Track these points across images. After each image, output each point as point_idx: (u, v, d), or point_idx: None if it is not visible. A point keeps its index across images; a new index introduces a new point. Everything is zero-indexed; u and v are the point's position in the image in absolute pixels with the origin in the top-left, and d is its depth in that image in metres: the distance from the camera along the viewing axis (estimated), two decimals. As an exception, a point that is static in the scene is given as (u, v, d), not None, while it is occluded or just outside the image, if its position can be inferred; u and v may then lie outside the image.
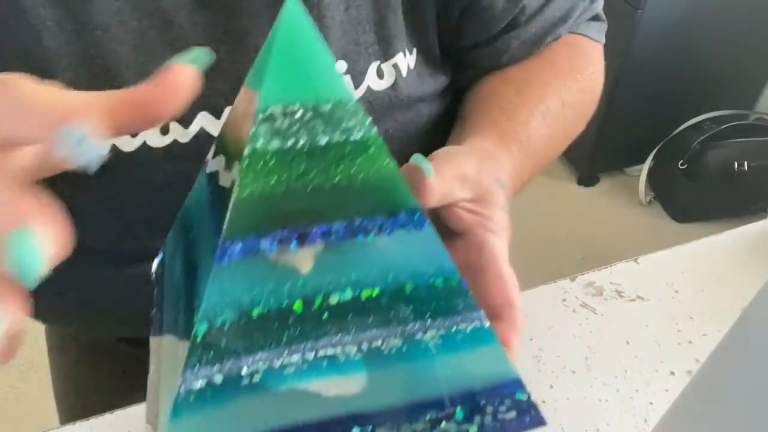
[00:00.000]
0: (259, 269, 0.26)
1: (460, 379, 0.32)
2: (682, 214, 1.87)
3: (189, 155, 0.42)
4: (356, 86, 0.44)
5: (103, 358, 0.65)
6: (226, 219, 0.25)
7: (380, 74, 0.45)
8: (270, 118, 0.24)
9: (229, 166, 0.27)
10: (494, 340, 0.31)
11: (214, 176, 0.30)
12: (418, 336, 0.30)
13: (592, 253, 1.75)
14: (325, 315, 0.28)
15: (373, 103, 0.45)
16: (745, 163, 1.74)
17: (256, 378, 0.29)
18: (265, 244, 0.26)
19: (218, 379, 0.28)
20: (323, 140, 0.25)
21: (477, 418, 0.33)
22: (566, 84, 0.52)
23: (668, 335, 0.51)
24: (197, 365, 0.27)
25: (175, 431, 0.29)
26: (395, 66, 0.45)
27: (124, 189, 0.44)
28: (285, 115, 0.24)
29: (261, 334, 0.28)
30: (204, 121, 0.43)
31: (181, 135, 0.43)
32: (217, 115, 0.43)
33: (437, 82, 0.50)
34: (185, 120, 0.42)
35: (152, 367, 0.34)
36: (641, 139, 1.91)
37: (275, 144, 0.25)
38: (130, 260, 0.48)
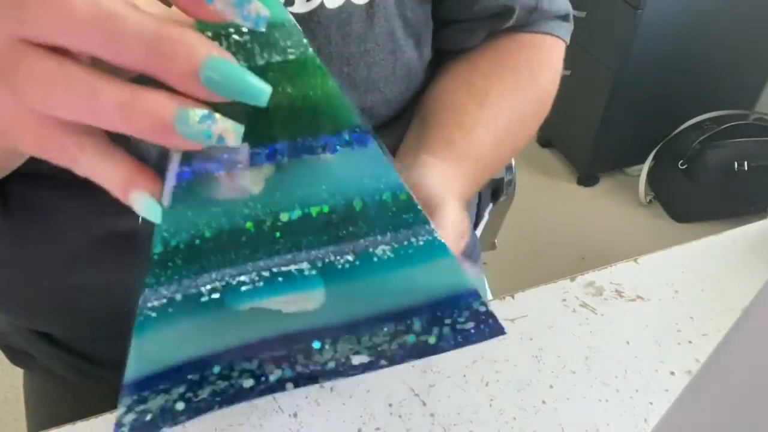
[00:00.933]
0: (210, 191, 0.27)
1: (415, 291, 0.33)
2: (682, 214, 1.87)
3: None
4: None
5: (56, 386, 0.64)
6: None
7: None
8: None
9: None
10: (447, 253, 0.31)
11: None
12: (371, 251, 0.30)
13: (592, 253, 1.75)
14: (277, 234, 0.29)
15: (351, 14, 0.46)
16: (745, 163, 1.74)
17: (215, 296, 0.29)
18: (214, 165, 0.26)
19: (177, 297, 0.29)
20: (261, 61, 0.25)
21: (435, 330, 0.34)
22: (525, 95, 0.54)
23: (668, 335, 0.51)
24: (155, 284, 0.28)
25: (139, 348, 0.30)
26: None
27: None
28: (221, 37, 0.24)
29: (215, 254, 0.29)
30: None
31: None
32: None
33: (419, 28, 0.51)
34: None
35: None
36: (641, 139, 1.91)
37: None
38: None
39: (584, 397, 0.46)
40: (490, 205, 0.75)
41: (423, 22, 0.52)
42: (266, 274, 0.30)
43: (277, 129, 0.27)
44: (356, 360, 0.34)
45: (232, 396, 0.35)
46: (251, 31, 0.24)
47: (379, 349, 0.34)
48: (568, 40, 0.58)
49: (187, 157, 0.26)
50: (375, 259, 0.31)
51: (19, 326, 0.61)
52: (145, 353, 0.30)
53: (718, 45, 1.80)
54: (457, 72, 0.54)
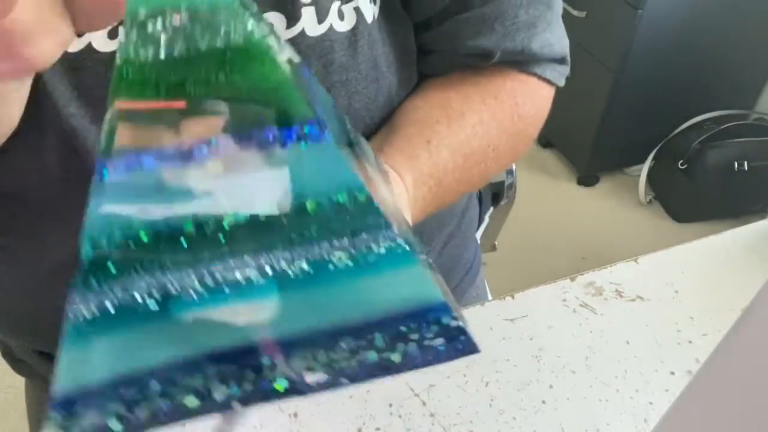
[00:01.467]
0: (144, 188, 0.25)
1: (376, 303, 0.30)
2: (682, 214, 1.87)
3: None
4: (320, 22, 0.43)
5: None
6: (102, 134, 0.24)
7: (341, 16, 0.44)
8: (140, 24, 0.22)
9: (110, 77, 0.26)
10: (413, 261, 0.29)
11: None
12: (326, 258, 0.28)
13: (592, 253, 1.75)
14: (221, 237, 0.26)
15: (334, 42, 0.44)
16: (745, 163, 1.74)
17: (152, 305, 0.27)
18: (147, 160, 0.24)
19: (109, 306, 0.26)
20: (202, 46, 0.23)
21: (400, 346, 0.31)
22: (502, 125, 0.51)
23: (668, 335, 0.51)
24: (84, 291, 0.26)
25: (68, 361, 0.27)
26: (356, 9, 0.44)
27: (63, 94, 0.41)
28: (156, 17, 0.22)
29: (152, 259, 0.26)
30: None
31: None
32: None
33: (402, 55, 0.49)
34: None
35: None
36: (641, 139, 1.91)
37: (148, 53, 0.23)
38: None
39: (584, 397, 0.46)
40: (491, 208, 0.75)
41: (407, 48, 0.50)
42: (210, 281, 0.27)
43: None
44: (311, 378, 0.31)
45: (174, 415, 0.32)
46: (192, 10, 0.23)
47: (337, 366, 0.31)
48: (560, 83, 0.55)
49: (119, 148, 0.24)
50: (331, 266, 0.28)
51: (22, 345, 0.61)
52: (75, 365, 0.28)
53: (718, 45, 1.81)
54: (436, 88, 0.52)
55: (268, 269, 0.28)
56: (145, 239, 0.26)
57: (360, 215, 0.27)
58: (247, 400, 0.32)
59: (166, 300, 0.27)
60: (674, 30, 1.71)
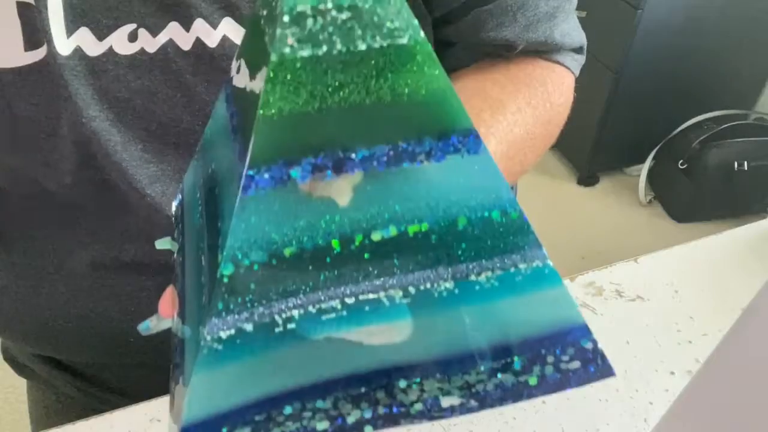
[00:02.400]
0: (291, 202, 0.23)
1: (518, 325, 0.28)
2: (682, 214, 1.87)
3: (154, 68, 0.40)
4: None
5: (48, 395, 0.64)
6: (251, 142, 0.22)
7: None
8: (298, 19, 0.20)
9: (252, 76, 0.23)
10: (558, 282, 0.27)
11: (237, 94, 0.26)
12: (472, 277, 0.26)
13: (592, 253, 1.75)
14: (367, 254, 0.25)
15: None
16: (745, 162, 1.74)
17: (291, 326, 0.25)
18: (296, 171, 0.22)
19: (248, 327, 0.25)
20: (362, 45, 0.21)
21: (537, 369, 0.29)
22: (537, 113, 0.51)
23: (668, 335, 0.51)
24: (223, 312, 0.24)
25: (200, 386, 0.25)
26: None
27: (84, 97, 0.41)
28: (316, 14, 0.20)
29: (295, 277, 0.24)
30: (173, 32, 0.40)
31: (150, 43, 0.40)
32: (187, 26, 0.40)
33: None
34: (154, 27, 0.40)
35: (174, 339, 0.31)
36: (641, 139, 1.91)
37: (305, 51, 0.21)
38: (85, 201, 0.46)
39: (584, 397, 0.46)
40: None
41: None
42: (351, 301, 0.25)
43: (375, 130, 0.22)
44: (446, 402, 0.29)
45: None
46: (352, 7, 0.20)
47: (472, 389, 0.29)
48: (577, 73, 0.55)
49: (263, 159, 0.22)
50: (476, 286, 0.26)
51: (23, 349, 0.61)
52: (207, 392, 0.26)
53: (718, 45, 1.80)
54: (470, 78, 0.52)
55: (412, 289, 0.26)
56: (288, 256, 0.24)
57: (511, 233, 0.26)
58: (378, 424, 0.30)
59: (304, 320, 0.25)
60: (674, 30, 1.71)
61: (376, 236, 0.24)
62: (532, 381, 0.29)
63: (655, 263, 0.57)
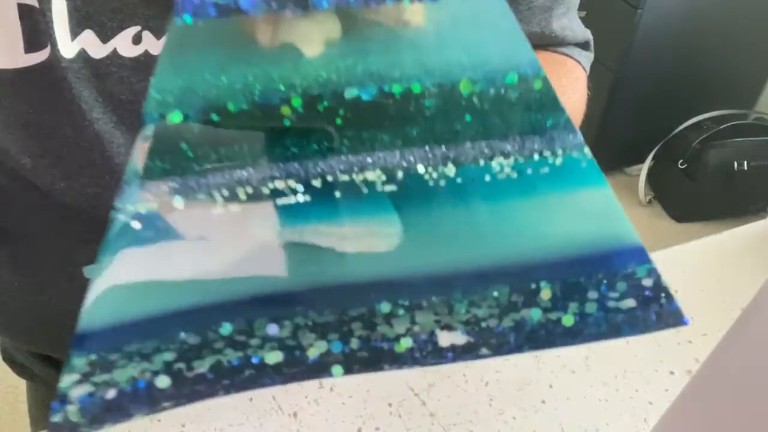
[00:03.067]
0: (239, 41, 0.18)
1: (545, 237, 0.21)
2: (682, 214, 1.87)
3: None
4: None
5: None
6: None
7: None
8: None
9: None
10: (600, 182, 0.21)
11: None
12: (481, 162, 0.20)
13: (591, 252, 1.75)
14: (338, 119, 0.19)
15: None
16: (745, 162, 1.74)
17: (234, 208, 0.19)
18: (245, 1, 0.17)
19: (176, 202, 0.19)
20: None
21: (573, 305, 0.22)
22: None
23: (668, 335, 0.51)
24: (144, 178, 0.19)
25: (107, 278, 0.19)
26: None
27: (87, 100, 0.40)
28: None
29: (240, 141, 0.19)
30: None
31: (154, 45, 0.40)
32: None
33: None
34: (158, 30, 0.40)
35: None
36: (641, 139, 1.91)
37: None
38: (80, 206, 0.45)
39: (584, 397, 0.46)
40: None
41: None
42: (317, 182, 0.19)
43: None
44: (446, 339, 0.21)
45: (246, 378, 0.21)
46: None
47: (482, 325, 0.21)
48: (588, 69, 0.53)
49: None
50: (486, 176, 0.20)
51: (20, 347, 0.61)
52: (116, 287, 0.19)
53: (718, 44, 1.80)
54: None
55: (398, 171, 0.19)
56: (233, 112, 0.18)
57: (532, 106, 0.19)
58: (351, 364, 0.21)
59: (252, 203, 0.20)
60: (674, 29, 1.71)
61: (350, 94, 0.19)
62: (567, 321, 0.22)
63: (654, 263, 0.57)
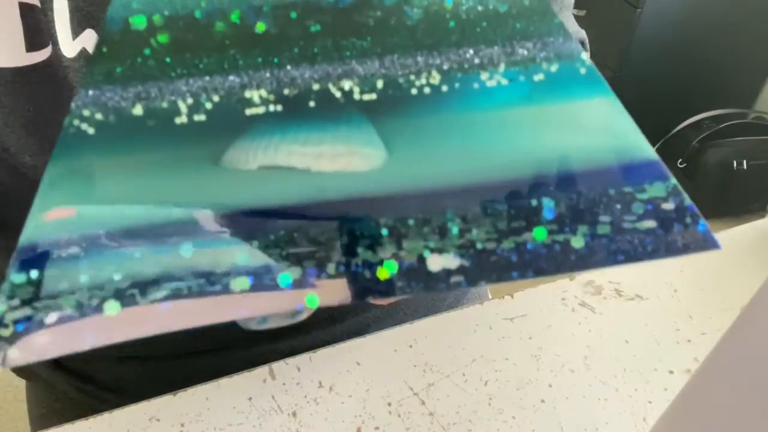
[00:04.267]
0: None
1: (544, 149, 0.19)
2: (682, 213, 1.87)
3: None
4: None
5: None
6: None
7: None
8: None
9: None
10: (604, 90, 0.19)
11: None
12: (469, 69, 0.18)
13: (591, 252, 1.75)
14: (313, 27, 0.18)
15: None
16: (744, 162, 1.74)
17: (198, 117, 0.18)
18: None
19: (134, 108, 0.17)
20: None
21: (583, 227, 0.19)
22: None
23: (667, 334, 0.51)
24: (98, 79, 0.17)
25: (54, 184, 0.18)
26: None
27: (58, 99, 0.40)
28: None
29: (204, 39, 0.17)
30: None
31: None
32: None
33: None
34: None
35: None
36: (640, 138, 1.91)
37: None
38: None
39: (583, 396, 0.46)
40: None
41: None
42: (287, 91, 0.18)
43: None
44: (436, 262, 0.19)
45: (206, 309, 0.18)
46: None
47: (478, 247, 0.19)
48: None
49: None
50: (475, 84, 0.18)
51: None
52: (63, 193, 0.18)
53: (717, 44, 1.80)
54: None
55: (376, 80, 0.18)
56: (200, 16, 0.17)
57: (524, 14, 0.18)
58: (328, 293, 0.19)
59: (217, 111, 0.18)
60: (673, 29, 1.71)
61: (327, 0, 0.17)
62: (577, 243, 0.19)
63: (654, 262, 0.57)
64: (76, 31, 0.38)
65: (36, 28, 0.38)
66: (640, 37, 1.68)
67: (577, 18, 2.02)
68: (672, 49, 1.76)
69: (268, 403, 0.44)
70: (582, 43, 0.55)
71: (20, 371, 0.64)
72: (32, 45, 0.38)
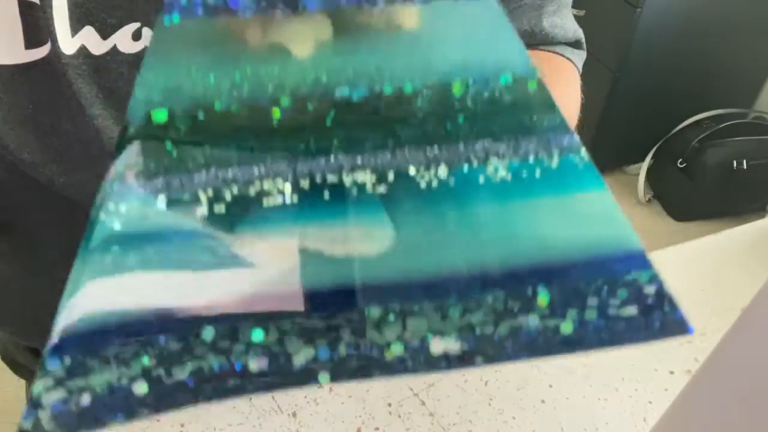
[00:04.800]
0: (228, 41, 0.18)
1: (542, 241, 0.20)
2: (681, 213, 1.87)
3: None
4: None
5: None
6: None
7: None
8: None
9: None
10: (598, 184, 0.20)
11: None
12: (474, 164, 0.19)
13: (591, 251, 1.75)
14: (328, 120, 0.19)
15: None
16: (744, 161, 1.74)
17: (218, 208, 0.19)
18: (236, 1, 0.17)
19: (160, 201, 0.19)
20: None
21: (573, 312, 0.20)
22: None
23: (667, 334, 0.51)
24: (127, 176, 0.18)
25: (85, 280, 0.19)
26: None
27: (87, 95, 0.41)
28: None
29: (227, 141, 0.19)
30: None
31: None
32: None
33: None
34: None
35: None
36: (640, 138, 1.91)
37: None
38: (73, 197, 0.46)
39: (583, 397, 0.46)
40: None
41: None
42: (304, 182, 0.19)
43: None
44: (438, 345, 0.20)
45: (228, 387, 0.20)
46: None
47: (477, 332, 0.20)
48: (579, 67, 0.53)
49: None
50: (480, 178, 0.19)
51: (19, 344, 0.61)
52: (94, 288, 0.19)
53: (717, 44, 1.81)
54: None
55: (389, 174, 0.19)
56: (219, 109, 0.18)
57: (525, 106, 0.19)
58: (339, 371, 0.20)
59: (237, 203, 0.19)
60: (673, 28, 1.71)
61: (340, 93, 0.18)
62: (566, 328, 0.21)
63: (653, 262, 0.57)
64: (75, 29, 0.38)
65: (35, 25, 0.38)
66: (640, 37, 1.68)
67: (576, 18, 2.01)
68: (672, 48, 1.76)
69: (268, 403, 0.44)
70: (579, 41, 0.54)
71: (21, 371, 0.64)
72: (31, 42, 0.38)
